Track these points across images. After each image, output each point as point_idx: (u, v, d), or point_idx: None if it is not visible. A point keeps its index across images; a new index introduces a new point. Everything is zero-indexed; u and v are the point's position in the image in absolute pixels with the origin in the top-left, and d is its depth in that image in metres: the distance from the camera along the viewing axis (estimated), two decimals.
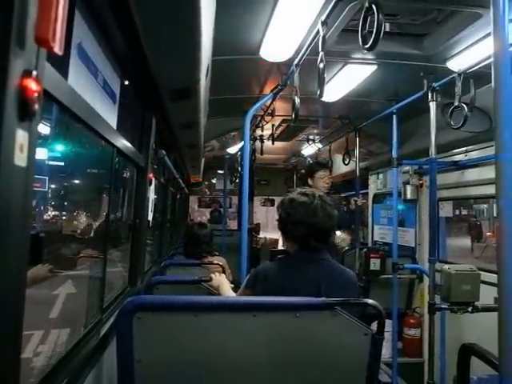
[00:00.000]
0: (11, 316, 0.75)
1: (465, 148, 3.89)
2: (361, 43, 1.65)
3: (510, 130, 1.47)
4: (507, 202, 1.48)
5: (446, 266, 2.97)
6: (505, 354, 1.37)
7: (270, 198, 10.23)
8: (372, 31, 1.57)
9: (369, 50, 1.62)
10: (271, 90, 3.19)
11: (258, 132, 4.55)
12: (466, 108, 2.75)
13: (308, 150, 6.59)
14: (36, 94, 0.75)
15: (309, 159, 6.93)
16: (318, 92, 2.11)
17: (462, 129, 3.11)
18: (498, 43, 1.48)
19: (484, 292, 2.77)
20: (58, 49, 0.76)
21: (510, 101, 1.48)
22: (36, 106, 0.75)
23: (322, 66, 2.06)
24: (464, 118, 2.77)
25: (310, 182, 4.07)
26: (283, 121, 4.72)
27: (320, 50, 2.06)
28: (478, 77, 2.72)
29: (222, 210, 8.86)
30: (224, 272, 3.04)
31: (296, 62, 2.60)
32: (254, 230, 8.55)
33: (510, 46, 1.54)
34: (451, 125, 2.90)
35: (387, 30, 2.70)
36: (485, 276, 2.90)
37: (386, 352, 3.82)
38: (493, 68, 1.50)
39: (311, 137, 5.88)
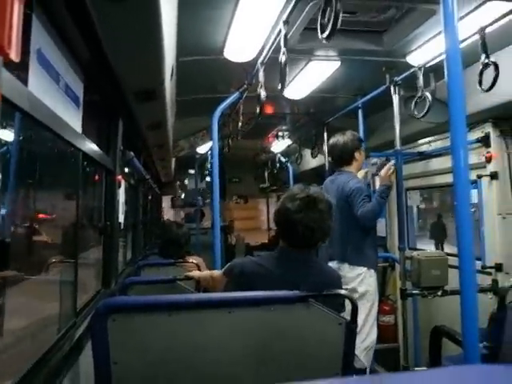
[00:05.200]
0: None
1: (428, 139, 4.02)
2: (319, 33, 1.68)
3: (462, 121, 1.55)
4: (462, 188, 1.56)
5: (416, 253, 3.08)
6: (466, 332, 1.45)
7: (243, 195, 10.27)
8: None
9: (327, 39, 1.64)
10: (237, 89, 3.22)
11: (227, 130, 4.57)
12: (429, 97, 2.84)
13: (278, 146, 6.64)
14: None
15: (279, 155, 6.99)
16: (279, 86, 2.15)
17: (424, 120, 3.22)
18: (449, 40, 1.55)
19: (453, 276, 2.88)
20: (14, 55, 0.76)
21: (462, 93, 1.56)
22: None
23: (284, 59, 2.09)
24: (428, 107, 2.86)
25: (357, 156, 3.34)
26: (252, 118, 4.76)
27: (282, 46, 2.10)
28: (437, 70, 2.82)
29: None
30: (199, 270, 3.05)
31: (260, 60, 2.63)
32: (228, 227, 8.55)
33: (460, 43, 1.62)
34: (415, 115, 2.99)
35: (348, 27, 2.77)
36: (453, 260, 3.01)
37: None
38: (445, 63, 1.57)
39: (280, 133, 5.95)
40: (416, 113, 2.99)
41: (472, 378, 0.54)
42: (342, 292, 1.71)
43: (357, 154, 3.33)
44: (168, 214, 9.82)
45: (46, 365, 1.43)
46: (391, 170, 3.18)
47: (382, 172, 3.25)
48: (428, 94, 2.86)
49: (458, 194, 1.57)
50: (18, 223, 1.73)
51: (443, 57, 2.50)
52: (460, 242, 1.54)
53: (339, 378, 1.45)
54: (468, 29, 2.31)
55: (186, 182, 9.43)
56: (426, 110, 2.88)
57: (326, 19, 1.64)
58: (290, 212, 1.75)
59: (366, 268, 3.12)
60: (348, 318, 1.55)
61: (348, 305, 1.69)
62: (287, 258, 1.80)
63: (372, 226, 3.22)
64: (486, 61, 2.32)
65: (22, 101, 1.12)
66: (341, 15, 1.58)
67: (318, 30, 1.68)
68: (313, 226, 1.74)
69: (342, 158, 3.34)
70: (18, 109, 1.11)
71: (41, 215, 2.00)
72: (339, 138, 3.34)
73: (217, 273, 2.25)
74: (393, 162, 3.22)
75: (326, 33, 1.63)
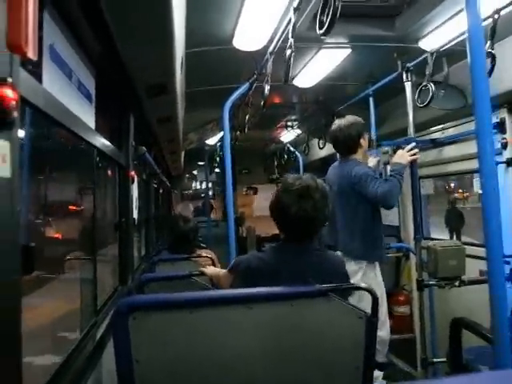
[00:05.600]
0: (9, 327, 0.74)
1: (441, 126, 3.95)
2: (317, 29, 1.65)
3: (486, 103, 1.50)
4: (488, 175, 1.51)
5: (432, 243, 3.02)
6: (496, 325, 1.41)
7: (253, 186, 10.24)
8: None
9: (323, 35, 1.62)
10: (247, 79, 3.18)
11: (236, 122, 4.54)
12: (433, 86, 2.78)
13: (287, 136, 6.60)
14: (14, 102, 0.74)
15: (288, 145, 6.95)
16: (283, 79, 2.12)
17: (438, 107, 3.15)
18: (471, 18, 1.50)
19: (468, 265, 2.84)
20: (31, 54, 0.74)
21: (485, 74, 1.51)
22: (15, 114, 0.74)
23: (289, 52, 2.05)
24: (431, 96, 2.80)
25: (362, 142, 3.14)
26: (262, 109, 4.72)
27: (290, 36, 2.06)
28: (450, 55, 2.76)
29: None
30: (214, 265, 3.04)
31: (270, 50, 2.59)
32: (239, 219, 8.54)
33: (482, 21, 1.57)
34: (419, 103, 2.93)
35: (359, 12, 2.71)
36: (468, 249, 2.97)
37: None
38: (467, 43, 1.52)
39: (289, 123, 5.90)
40: (419, 102, 2.92)
41: None
42: (362, 285, 1.68)
43: (362, 141, 3.15)
44: (179, 207, 9.81)
45: (71, 366, 1.42)
46: (414, 151, 3.00)
47: (400, 151, 3.07)
48: (431, 84, 2.79)
49: (484, 180, 1.51)
50: (38, 224, 1.72)
51: (458, 40, 2.46)
52: (487, 230, 1.49)
53: None
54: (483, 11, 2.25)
55: (196, 173, 9.42)
56: (429, 99, 2.82)
57: (325, 16, 1.62)
58: (285, 205, 1.72)
59: (366, 261, 2.99)
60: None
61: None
62: (288, 249, 1.78)
63: (392, 206, 3.02)
64: (489, 50, 2.26)
65: (39, 100, 1.10)
66: (338, 12, 1.55)
67: (317, 26, 1.65)
68: (309, 217, 1.71)
69: (347, 146, 3.13)
70: (33, 107, 1.09)
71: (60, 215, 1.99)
72: (342, 125, 3.13)
73: (223, 272, 2.21)
74: (413, 144, 3.04)
75: (323, 29, 1.60)
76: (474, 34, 1.48)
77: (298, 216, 1.70)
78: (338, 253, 3.02)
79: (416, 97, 2.93)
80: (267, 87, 2.55)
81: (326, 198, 1.76)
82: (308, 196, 1.70)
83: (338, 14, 1.54)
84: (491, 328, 1.43)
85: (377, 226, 3.08)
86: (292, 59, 2.08)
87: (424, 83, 2.81)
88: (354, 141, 3.11)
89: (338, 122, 3.20)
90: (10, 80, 0.75)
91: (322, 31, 1.61)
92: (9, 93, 0.73)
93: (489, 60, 2.26)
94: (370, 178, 2.92)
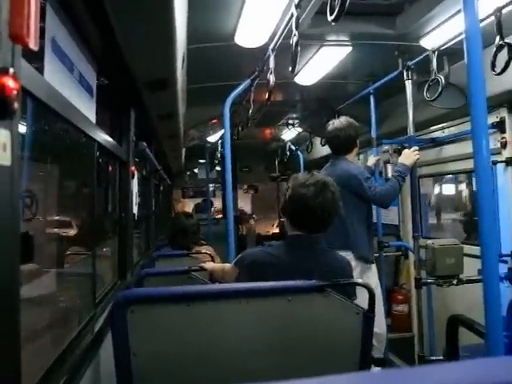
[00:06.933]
0: (8, 316, 0.75)
1: (442, 125, 3.95)
2: (328, 14, 1.64)
3: (482, 103, 1.51)
4: (483, 175, 1.52)
5: (430, 241, 3.03)
6: (490, 323, 1.42)
7: (254, 184, 10.25)
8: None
9: (334, 20, 1.61)
10: (249, 76, 3.19)
11: (238, 119, 4.54)
12: (442, 80, 2.77)
13: (288, 134, 6.60)
14: (15, 92, 0.74)
15: (289, 144, 6.95)
16: (290, 69, 2.12)
17: (438, 105, 3.15)
18: (469, 19, 1.51)
19: (467, 264, 2.85)
20: (33, 44, 0.75)
21: (482, 75, 1.52)
22: (16, 104, 0.75)
23: (295, 40, 2.05)
24: (440, 91, 2.80)
25: (357, 142, 3.29)
26: (263, 106, 4.72)
27: (294, 29, 2.06)
28: (451, 54, 2.76)
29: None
30: (213, 261, 3.06)
31: (272, 46, 2.60)
32: (240, 217, 8.55)
33: (479, 22, 1.57)
34: (427, 98, 2.93)
35: (360, 10, 2.71)
36: (467, 249, 2.97)
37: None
38: (465, 44, 1.53)
39: (291, 121, 5.90)
40: (428, 97, 2.92)
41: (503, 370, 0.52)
42: (359, 281, 1.70)
43: (357, 141, 3.28)
44: (179, 205, 9.81)
45: (68, 357, 1.43)
46: (416, 152, 3.08)
47: (406, 151, 3.12)
48: (440, 77, 2.79)
49: (479, 179, 1.53)
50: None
51: (459, 38, 2.46)
52: (482, 229, 1.50)
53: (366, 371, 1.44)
54: (484, 10, 2.24)
55: (196, 170, 9.42)
56: (437, 93, 2.82)
57: (336, 1, 1.61)
58: (307, 198, 1.74)
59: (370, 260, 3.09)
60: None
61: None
62: (298, 245, 1.79)
63: (387, 206, 3.21)
64: (501, 42, 2.25)
65: (40, 91, 1.11)
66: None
67: (328, 12, 1.64)
68: (330, 209, 1.75)
69: (344, 146, 3.23)
70: (35, 99, 1.09)
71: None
72: (340, 127, 3.22)
73: (228, 266, 2.25)
74: (416, 148, 3.11)
75: (334, 15, 1.60)
76: (472, 35, 1.49)
77: (320, 208, 1.73)
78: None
79: (425, 91, 2.92)
80: (272, 79, 2.55)
81: (338, 192, 1.82)
82: (327, 189, 1.76)
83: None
84: (485, 326, 1.44)
85: (371, 224, 3.21)
86: (299, 50, 2.08)
87: (432, 77, 2.80)
88: (352, 141, 3.23)
89: (337, 122, 3.28)
90: (11, 70, 0.76)
91: (332, 17, 1.60)
92: (10, 83, 0.74)
93: (504, 52, 2.24)
94: (367, 177, 3.06)
